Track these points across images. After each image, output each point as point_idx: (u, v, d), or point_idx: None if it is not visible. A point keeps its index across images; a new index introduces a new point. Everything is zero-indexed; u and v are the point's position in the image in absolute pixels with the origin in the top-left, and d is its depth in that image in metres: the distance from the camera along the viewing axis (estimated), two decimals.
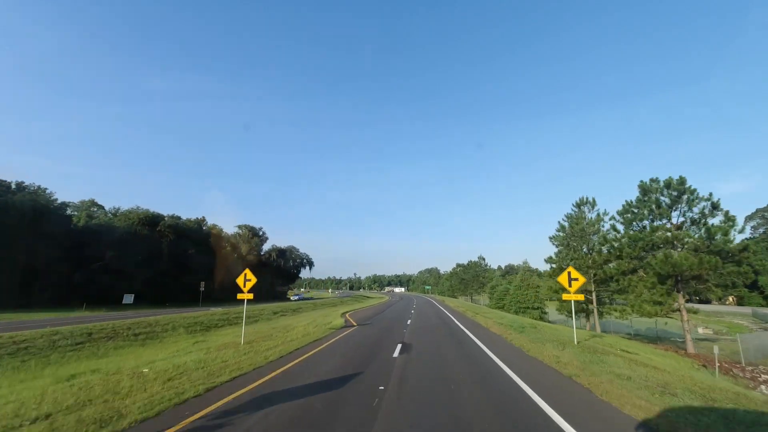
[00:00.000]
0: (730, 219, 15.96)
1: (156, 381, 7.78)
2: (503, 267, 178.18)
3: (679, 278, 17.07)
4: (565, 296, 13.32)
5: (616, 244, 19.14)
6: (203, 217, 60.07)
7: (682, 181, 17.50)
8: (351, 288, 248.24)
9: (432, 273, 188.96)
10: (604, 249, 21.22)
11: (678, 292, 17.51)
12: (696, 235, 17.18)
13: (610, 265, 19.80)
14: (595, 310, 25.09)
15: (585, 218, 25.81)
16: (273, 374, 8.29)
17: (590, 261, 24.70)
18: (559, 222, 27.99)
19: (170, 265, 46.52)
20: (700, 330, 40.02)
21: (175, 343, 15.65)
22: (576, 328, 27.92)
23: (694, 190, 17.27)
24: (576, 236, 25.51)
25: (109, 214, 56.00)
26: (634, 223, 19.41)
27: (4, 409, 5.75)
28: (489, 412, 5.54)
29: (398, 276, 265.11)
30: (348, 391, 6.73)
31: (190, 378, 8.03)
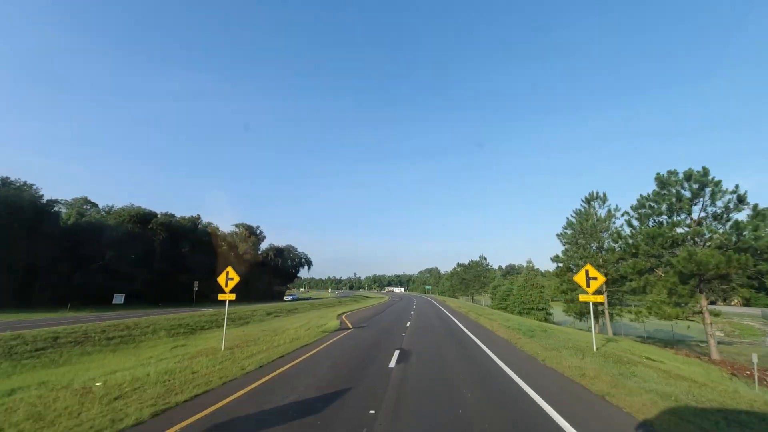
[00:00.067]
0: (760, 213, 14.57)
1: (101, 400, 6.42)
2: (504, 267, 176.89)
3: (702, 278, 15.69)
4: (582, 297, 11.93)
5: (631, 241, 17.76)
6: (198, 215, 58.77)
7: (705, 172, 16.10)
8: (351, 288, 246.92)
9: (432, 273, 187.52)
10: (617, 246, 19.82)
11: (701, 292, 16.12)
12: (720, 230, 15.78)
13: (625, 263, 18.43)
14: (606, 312, 23.71)
15: (595, 214, 24.41)
16: (243, 391, 6.92)
17: (601, 259, 23.31)
18: (567, 218, 26.66)
19: (163, 264, 45.19)
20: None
21: (151, 348, 14.28)
22: (583, 330, 26.51)
23: (719, 182, 15.89)
24: (587, 233, 24.09)
25: (102, 212, 54.69)
26: (651, 218, 18.01)
27: None
28: None
29: (398, 276, 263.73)
30: (330, 418, 5.35)
31: (142, 396, 6.66)
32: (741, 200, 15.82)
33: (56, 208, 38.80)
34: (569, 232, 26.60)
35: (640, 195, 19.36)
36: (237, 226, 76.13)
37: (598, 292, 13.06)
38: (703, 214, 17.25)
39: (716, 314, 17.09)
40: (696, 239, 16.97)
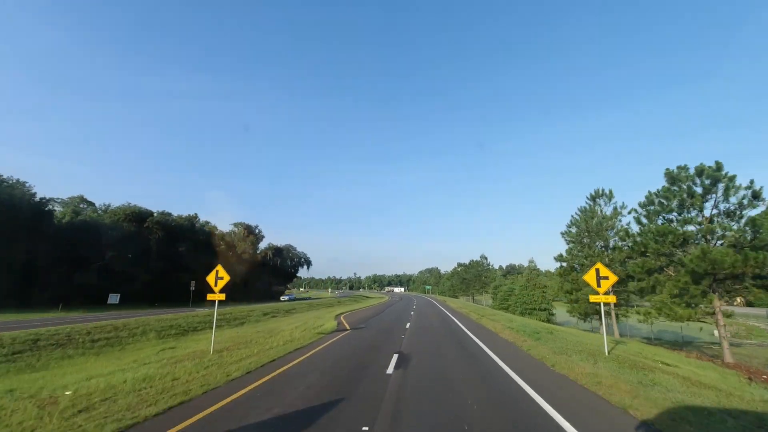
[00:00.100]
0: None
1: (62, 413, 5.74)
2: (504, 267, 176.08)
3: (715, 277, 14.97)
4: (593, 297, 11.23)
5: (639, 239, 17.06)
6: (195, 214, 58.11)
7: (718, 167, 15.40)
8: (351, 288, 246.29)
9: (432, 273, 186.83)
10: (625, 245, 19.09)
11: (714, 292, 15.41)
12: (735, 227, 15.06)
13: (633, 262, 17.74)
14: (613, 313, 22.96)
15: (601, 212, 23.65)
16: (224, 402, 6.23)
17: (607, 258, 22.55)
18: (572, 216, 25.89)
19: (160, 264, 44.50)
20: (715, 333, 37.82)
21: (137, 351, 13.60)
22: (588, 331, 25.78)
23: (733, 177, 15.15)
24: (592, 232, 23.35)
25: (99, 211, 54.03)
26: (660, 216, 17.28)
27: None
28: None
29: (398, 276, 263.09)
30: None
31: (111, 408, 5.97)
32: (756, 196, 15.10)
33: (50, 207, 38.06)
34: (574, 230, 25.88)
35: (648, 192, 18.68)
36: (236, 225, 75.45)
37: (609, 292, 12.38)
38: (714, 212, 16.55)
39: (728, 315, 16.38)
40: (707, 237, 16.26)
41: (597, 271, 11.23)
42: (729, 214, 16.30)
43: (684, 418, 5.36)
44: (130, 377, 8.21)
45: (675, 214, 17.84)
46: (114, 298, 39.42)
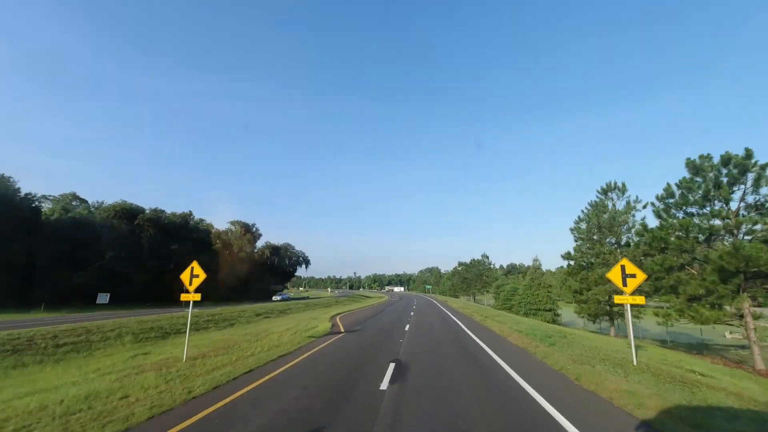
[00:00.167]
0: None
1: None
2: (505, 266, 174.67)
3: (745, 276, 13.58)
4: (619, 299, 9.83)
5: (659, 234, 15.67)
6: (190, 211, 56.63)
7: (748, 154, 13.98)
8: (351, 287, 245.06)
9: (432, 272, 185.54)
10: (642, 240, 17.64)
11: (743, 292, 14.01)
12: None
13: (652, 259, 16.35)
14: (628, 314, 21.45)
15: (614, 206, 22.20)
16: None
17: (620, 256, 21.13)
18: (582, 210, 24.42)
19: (153, 262, 43.11)
20: (728, 335, 36.48)
21: (106, 358, 12.23)
22: (596, 333, 24.33)
23: (765, 165, 13.75)
24: (604, 227, 21.91)
25: (92, 209, 52.68)
26: (680, 209, 15.88)
27: None
28: None
29: (398, 275, 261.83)
30: None
31: None
32: None
33: (37, 203, 36.66)
34: (583, 226, 24.45)
35: (667, 183, 17.27)
36: (232, 223, 74.03)
37: (637, 291, 11.02)
38: (741, 204, 15.13)
39: (756, 317, 14.97)
40: (734, 231, 14.85)
41: (622, 268, 9.84)
42: (758, 207, 14.88)
43: None
44: (72, 394, 6.83)
45: (695, 207, 16.44)
46: (103, 298, 38.03)
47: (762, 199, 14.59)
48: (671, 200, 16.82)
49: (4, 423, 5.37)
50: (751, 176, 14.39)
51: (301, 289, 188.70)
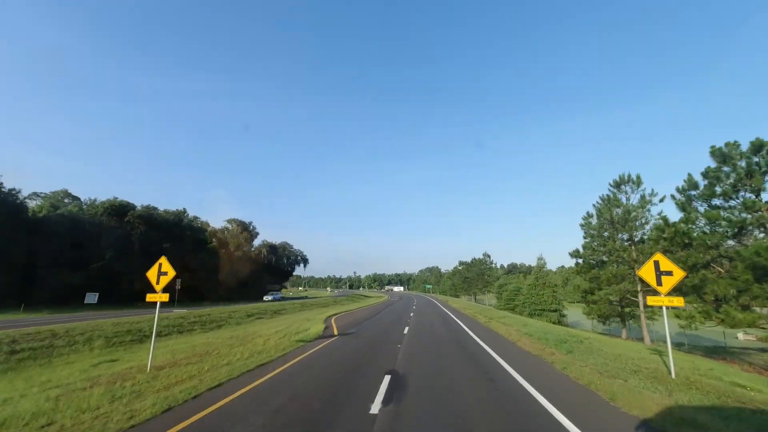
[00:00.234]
0: None
1: None
2: (506, 266, 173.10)
3: None
4: (652, 300, 8.44)
5: (683, 228, 14.30)
6: (184, 208, 55.29)
7: None
8: (350, 287, 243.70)
9: (433, 272, 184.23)
10: (663, 236, 16.20)
11: None
12: None
13: (673, 256, 14.95)
14: (643, 316, 20.18)
15: (628, 200, 20.73)
16: None
17: (634, 253, 19.79)
18: (593, 205, 22.91)
19: (144, 261, 41.66)
20: (740, 336, 35.01)
21: (65, 366, 10.86)
22: (605, 334, 22.90)
23: None
24: (618, 223, 20.47)
25: (84, 206, 51.29)
26: (707, 200, 14.51)
27: None
28: None
29: (398, 275, 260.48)
30: None
31: None
32: None
33: (21, 200, 35.27)
34: (594, 222, 23.01)
35: (689, 174, 15.91)
36: (229, 221, 72.64)
37: (674, 291, 9.67)
38: None
39: None
40: (766, 225, 13.44)
41: (656, 264, 8.45)
42: None
43: None
44: None
45: (720, 200, 15.04)
46: (92, 298, 36.63)
47: None
48: (694, 192, 15.43)
49: None
50: None
51: (300, 288, 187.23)
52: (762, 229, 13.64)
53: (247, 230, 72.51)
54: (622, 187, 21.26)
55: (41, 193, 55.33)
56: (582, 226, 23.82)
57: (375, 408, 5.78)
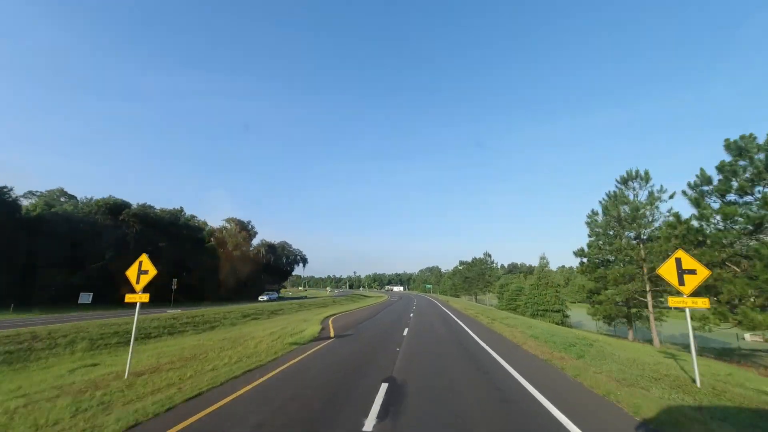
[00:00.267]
0: None
1: None
2: (506, 266, 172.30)
3: None
4: (673, 301, 7.75)
5: (697, 225, 13.62)
6: (181, 207, 54.55)
7: None
8: (351, 287, 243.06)
9: (433, 271, 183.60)
10: (675, 234, 15.48)
11: None
12: None
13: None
14: (652, 317, 19.47)
15: (636, 197, 19.98)
16: None
17: (642, 251, 19.09)
18: (600, 202, 22.16)
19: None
20: (747, 337, 34.22)
21: (40, 372, 10.20)
22: (610, 335, 22.17)
23: None
24: (625, 220, 19.74)
25: (81, 205, 50.63)
26: (721, 196, 13.79)
27: None
28: None
29: (399, 275, 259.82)
30: None
31: None
32: None
33: (13, 198, 34.60)
34: (600, 219, 22.28)
35: (701, 169, 15.20)
36: (227, 220, 71.93)
37: (698, 292, 8.97)
38: None
39: None
40: None
41: (677, 261, 7.76)
42: None
43: None
44: None
45: (735, 195, 14.33)
46: (86, 298, 35.95)
47: None
48: (706, 187, 14.73)
49: None
50: None
51: (300, 288, 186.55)
52: None
53: (245, 229, 71.81)
54: (630, 183, 20.53)
55: (37, 191, 54.73)
56: (587, 223, 23.10)
57: (369, 425, 5.09)
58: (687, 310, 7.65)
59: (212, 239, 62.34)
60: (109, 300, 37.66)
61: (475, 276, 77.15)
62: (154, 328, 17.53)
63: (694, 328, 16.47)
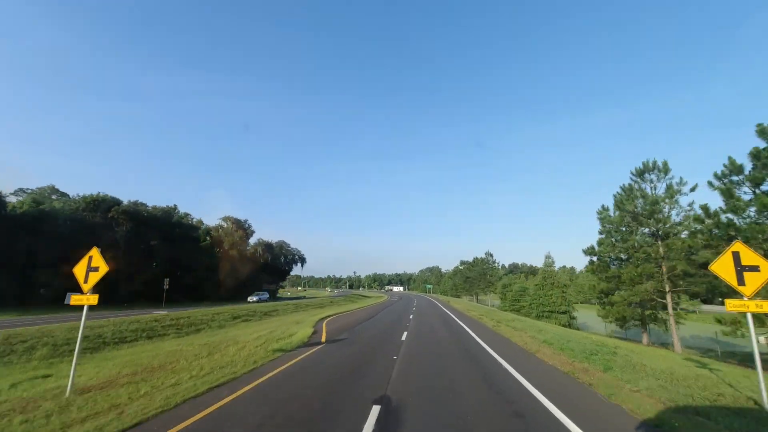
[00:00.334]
0: None
1: None
2: (507, 266, 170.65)
3: None
4: (731, 305, 6.34)
5: (726, 218, 12.23)
6: (175, 205, 53.21)
7: None
8: (350, 287, 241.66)
9: (433, 272, 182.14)
10: (699, 228, 14.12)
11: None
12: None
13: (713, 251, 12.88)
14: (672, 320, 18.00)
15: (653, 190, 18.50)
16: None
17: (662, 249, 17.65)
18: (614, 196, 20.62)
19: (129, 259, 39.63)
20: (762, 339, 32.73)
21: None
22: (618, 338, 20.74)
23: None
24: (643, 215, 18.27)
25: (68, 202, 49.26)
26: (755, 185, 12.42)
27: None
28: None
29: (399, 275, 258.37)
30: None
31: None
32: None
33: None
34: (612, 215, 20.82)
35: (729, 158, 13.81)
36: (224, 219, 70.50)
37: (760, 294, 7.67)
38: None
39: None
40: None
41: (735, 256, 6.36)
42: None
43: None
44: None
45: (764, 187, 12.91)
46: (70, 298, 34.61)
47: None
48: (737, 177, 13.32)
49: None
50: None
51: (299, 288, 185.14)
52: None
53: (242, 228, 70.39)
54: (646, 175, 19.04)
55: (28, 189, 53.41)
56: (599, 219, 21.63)
57: None
58: (749, 316, 6.24)
59: (208, 238, 60.99)
60: (104, 301, 36.29)
61: (477, 276, 75.72)
62: (132, 332, 16.14)
63: (725, 334, 15.09)
